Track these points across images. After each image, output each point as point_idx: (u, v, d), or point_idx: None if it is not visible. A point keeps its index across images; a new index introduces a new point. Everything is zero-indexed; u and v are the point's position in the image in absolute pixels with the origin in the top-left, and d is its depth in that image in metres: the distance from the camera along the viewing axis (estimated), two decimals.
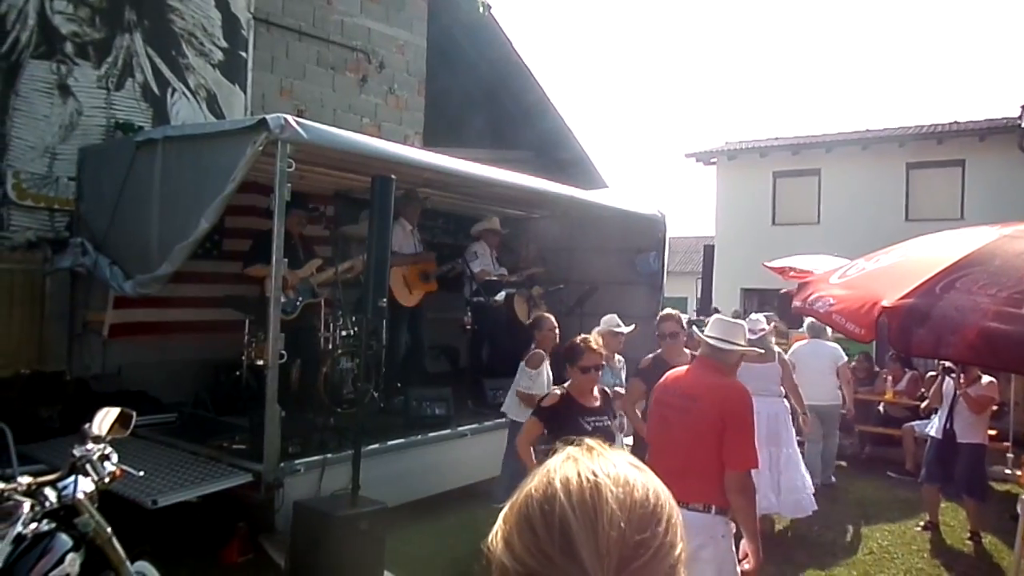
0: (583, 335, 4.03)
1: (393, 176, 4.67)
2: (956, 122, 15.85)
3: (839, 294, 2.78)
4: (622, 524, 0.74)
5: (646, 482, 0.80)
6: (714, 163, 18.37)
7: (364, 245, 4.80)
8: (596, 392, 3.92)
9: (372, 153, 5.33)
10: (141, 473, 2.93)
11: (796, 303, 3.26)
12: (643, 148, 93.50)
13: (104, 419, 2.70)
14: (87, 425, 2.67)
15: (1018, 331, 2.08)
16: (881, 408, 8.90)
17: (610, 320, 5.44)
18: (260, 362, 5.27)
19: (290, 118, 4.55)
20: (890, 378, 8.87)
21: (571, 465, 0.80)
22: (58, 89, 6.26)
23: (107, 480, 2.60)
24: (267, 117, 4.47)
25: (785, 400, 5.83)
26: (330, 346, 6.10)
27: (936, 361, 6.56)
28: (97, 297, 5.87)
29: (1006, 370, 4.73)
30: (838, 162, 16.31)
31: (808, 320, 7.23)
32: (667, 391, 3.27)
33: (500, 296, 7.34)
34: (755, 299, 16.47)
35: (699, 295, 10.36)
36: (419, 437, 5.67)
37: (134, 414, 2.77)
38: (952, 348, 2.22)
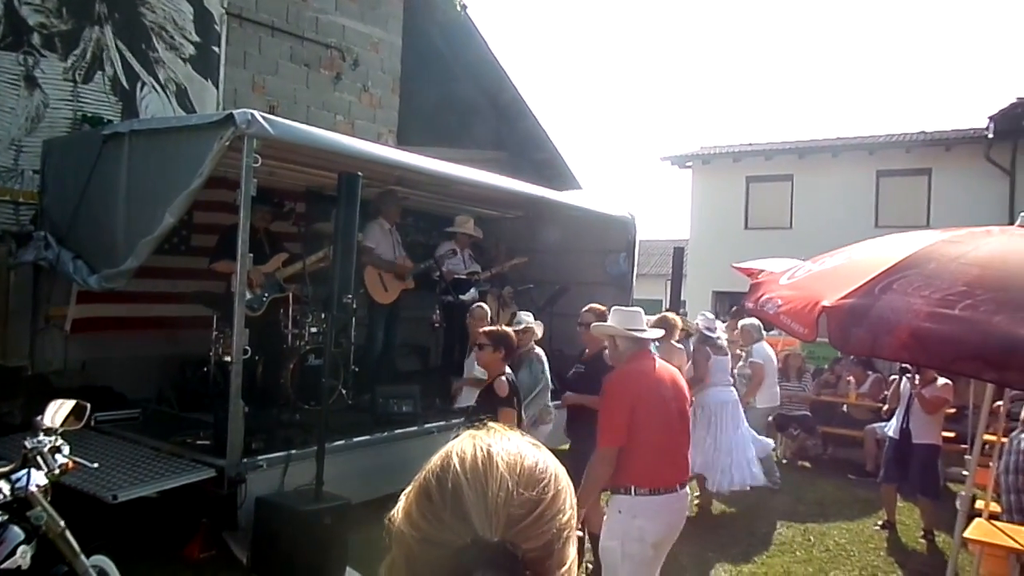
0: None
1: (360, 173, 4.69)
2: (924, 132, 16.15)
3: (786, 295, 2.85)
4: (510, 486, 0.79)
5: (538, 455, 0.85)
6: (689, 167, 18.54)
7: None
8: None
9: (341, 150, 5.34)
10: (95, 465, 2.93)
11: (749, 304, 3.34)
12: (619, 150, 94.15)
13: (57, 411, 2.70)
14: (39, 417, 2.67)
15: (947, 329, 2.17)
16: (844, 409, 9.07)
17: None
18: (228, 358, 5.25)
19: (257, 113, 4.54)
20: (852, 380, 9.04)
21: (469, 441, 0.85)
22: (24, 81, 6.18)
23: (57, 472, 2.60)
24: (234, 112, 4.46)
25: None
26: (298, 343, 6.09)
27: (897, 363, 6.75)
28: (60, 292, 5.80)
29: (936, 367, 4.94)
30: (810, 168, 16.56)
31: (750, 320, 7.41)
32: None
33: (469, 295, 7.38)
34: (727, 302, 16.67)
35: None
36: (385, 434, 5.69)
37: (88, 406, 2.77)
38: (887, 348, 2.31)
